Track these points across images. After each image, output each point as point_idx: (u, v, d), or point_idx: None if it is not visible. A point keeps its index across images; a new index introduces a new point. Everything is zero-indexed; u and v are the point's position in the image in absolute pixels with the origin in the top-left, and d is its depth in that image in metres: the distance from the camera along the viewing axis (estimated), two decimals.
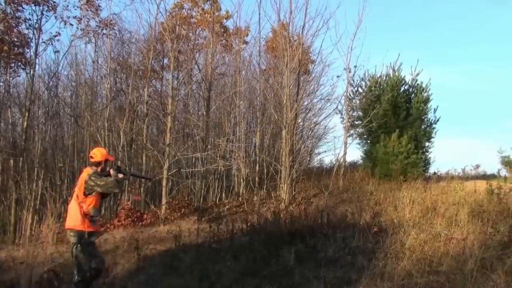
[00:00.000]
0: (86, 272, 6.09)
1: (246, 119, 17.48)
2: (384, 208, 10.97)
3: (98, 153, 6.40)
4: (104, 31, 15.60)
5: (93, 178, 6.16)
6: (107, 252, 9.22)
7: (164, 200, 13.26)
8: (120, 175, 6.33)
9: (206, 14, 19.82)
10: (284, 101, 13.87)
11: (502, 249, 7.19)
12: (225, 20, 22.23)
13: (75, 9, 14.35)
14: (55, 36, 13.91)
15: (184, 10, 19.45)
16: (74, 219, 6.15)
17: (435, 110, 17.05)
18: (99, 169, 6.33)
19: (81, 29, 14.77)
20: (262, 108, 17.06)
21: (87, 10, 14.73)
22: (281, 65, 14.84)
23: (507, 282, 5.96)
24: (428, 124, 17.03)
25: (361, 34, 29.73)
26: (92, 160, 6.39)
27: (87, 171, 6.30)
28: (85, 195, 6.16)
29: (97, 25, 15.30)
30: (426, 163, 16.91)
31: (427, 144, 16.92)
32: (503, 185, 11.28)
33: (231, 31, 20.99)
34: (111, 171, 6.33)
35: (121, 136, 14.71)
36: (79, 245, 6.05)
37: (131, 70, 15.57)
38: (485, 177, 18.09)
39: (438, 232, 8.32)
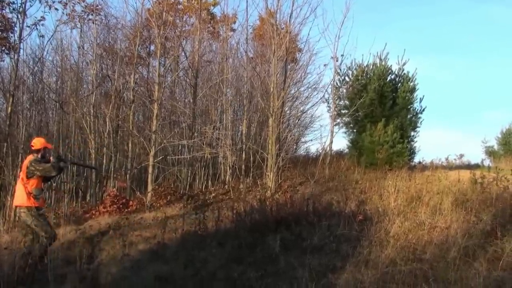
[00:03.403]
0: (50, 232, 7.38)
1: (233, 107, 17.45)
2: (369, 197, 11.04)
3: (37, 142, 7.54)
4: (90, 17, 15.39)
5: (33, 164, 7.26)
6: (92, 239, 9.21)
7: (150, 187, 13.21)
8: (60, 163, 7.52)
9: (193, 1, 19.69)
10: (271, 89, 13.85)
11: (485, 237, 7.30)
12: (212, 7, 22.15)
13: None
14: (39, 20, 13.68)
15: None
16: (20, 197, 7.27)
17: (421, 100, 17.15)
18: (39, 156, 7.42)
19: (66, 14, 14.56)
20: (249, 96, 17.04)
21: None
22: (268, 53, 14.80)
23: (489, 270, 6.05)
24: (414, 114, 17.11)
25: (349, 23, 29.63)
26: (33, 148, 7.50)
27: (29, 158, 7.40)
28: (28, 177, 7.25)
29: (83, 10, 15.09)
30: (412, 152, 17.01)
31: (412, 133, 17.01)
32: (486, 175, 11.40)
33: (218, 18, 20.91)
34: (51, 158, 7.44)
35: (107, 122, 14.60)
36: (32, 217, 7.20)
37: (117, 56, 15.43)
38: (469, 167, 18.28)
39: (422, 220, 8.42)
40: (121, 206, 12.00)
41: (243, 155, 16.09)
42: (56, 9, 13.99)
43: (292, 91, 17.34)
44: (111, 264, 7.57)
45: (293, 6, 14.11)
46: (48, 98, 17.38)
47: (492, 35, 53.94)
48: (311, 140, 25.91)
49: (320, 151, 17.64)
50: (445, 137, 45.35)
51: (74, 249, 8.18)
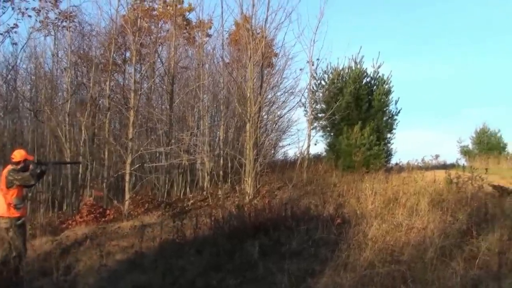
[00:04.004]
0: (21, 249, 7.37)
1: (210, 113, 17.42)
2: (347, 200, 11.07)
3: (18, 155, 7.62)
4: (64, 24, 15.29)
5: (11, 174, 7.38)
6: (68, 249, 9.08)
7: (127, 196, 13.08)
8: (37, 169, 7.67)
9: (168, 7, 19.63)
10: (248, 95, 13.82)
11: (461, 237, 7.38)
12: (187, 13, 22.09)
13: (34, 0, 14.02)
14: (12, 27, 13.51)
15: (145, 3, 19.20)
16: (1, 208, 7.34)
17: (396, 102, 17.35)
18: (18, 167, 7.49)
19: (40, 21, 14.45)
20: (226, 101, 17.01)
21: (46, 2, 14.40)
22: (244, 58, 14.77)
23: (466, 269, 6.11)
24: (390, 116, 17.29)
25: (323, 27, 29.63)
26: (13, 160, 7.58)
27: (8, 168, 7.49)
28: (7, 187, 7.34)
29: (56, 17, 15.01)
30: (388, 154, 17.18)
31: (388, 135, 17.20)
32: (461, 174, 11.55)
33: (194, 24, 20.86)
34: (30, 166, 7.58)
35: (83, 130, 14.47)
36: (11, 229, 7.30)
37: (92, 64, 15.31)
38: (445, 166, 18.48)
39: (399, 222, 8.47)
40: (98, 215, 11.86)
41: (221, 161, 16.05)
42: (30, 16, 13.86)
43: (269, 96, 17.36)
44: (88, 275, 7.46)
45: (268, 11, 14.13)
46: (22, 106, 17.17)
47: (468, 33, 54.81)
48: (289, 145, 26.09)
49: (298, 155, 17.67)
50: (421, 138, 45.93)
51: (50, 260, 8.04)
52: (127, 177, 13.29)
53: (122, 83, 16.71)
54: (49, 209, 14.38)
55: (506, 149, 27.79)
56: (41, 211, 13.43)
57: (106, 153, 15.06)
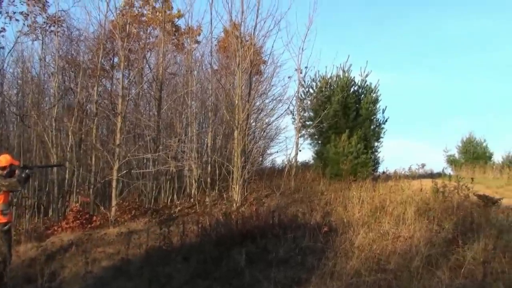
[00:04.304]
0: (6, 254, 7.26)
1: (198, 119, 17.38)
2: (334, 208, 11.10)
3: (3, 159, 7.55)
4: (52, 28, 15.19)
5: None
6: (53, 256, 9.01)
7: (114, 202, 13.00)
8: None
9: (158, 13, 19.61)
10: (236, 102, 13.84)
11: (447, 246, 7.45)
12: (177, 19, 22.11)
13: (22, 4, 13.99)
14: (0, 31, 13.46)
15: (134, 9, 19.19)
16: None
17: (383, 111, 17.49)
18: (4, 172, 7.44)
19: (27, 25, 14.37)
20: (214, 108, 16.98)
21: (34, 6, 14.36)
22: (233, 65, 14.80)
23: (451, 278, 6.16)
24: (377, 125, 17.41)
25: (312, 35, 29.88)
26: None
27: None
28: None
29: (44, 22, 14.92)
30: (375, 162, 17.29)
31: (376, 144, 17.32)
32: (448, 184, 11.64)
33: (183, 30, 20.86)
34: (16, 171, 7.55)
35: (70, 136, 14.37)
36: None
37: (80, 69, 15.23)
38: (431, 175, 18.65)
39: (386, 230, 8.52)
40: (84, 221, 11.79)
41: (209, 168, 16.00)
42: (17, 20, 13.83)
43: (257, 103, 17.37)
44: (73, 282, 7.42)
45: (257, 18, 14.20)
46: (9, 111, 17.01)
47: (454, 44, 55.38)
48: (277, 152, 25.91)
49: (286, 163, 17.70)
50: (408, 146, 46.16)
51: (35, 267, 7.99)
52: (114, 183, 13.22)
53: (110, 88, 16.63)
54: (35, 215, 14.25)
55: (492, 158, 28.06)
56: (27, 217, 13.29)
57: (93, 159, 14.96)
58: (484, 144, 28.51)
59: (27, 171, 7.74)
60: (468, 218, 8.96)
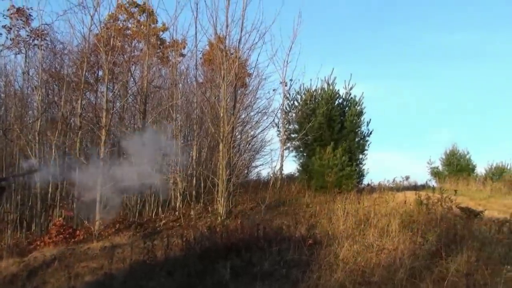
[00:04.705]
0: None
1: (183, 132, 17.35)
2: (319, 220, 11.14)
3: None
4: (36, 42, 15.11)
5: None
6: (36, 271, 8.90)
7: (98, 216, 12.90)
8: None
9: (142, 26, 19.62)
10: (221, 115, 13.87)
11: (430, 258, 7.49)
12: (161, 33, 22.10)
13: (4, 18, 13.89)
14: None
15: (119, 22, 19.18)
16: None
17: (368, 123, 17.61)
18: None
19: (10, 39, 14.27)
20: (199, 121, 16.98)
21: (17, 20, 14.26)
22: (218, 78, 14.82)
23: None
24: (362, 137, 17.51)
25: (296, 48, 29.98)
26: None
27: None
28: None
29: (28, 35, 14.82)
30: (360, 175, 17.37)
31: (361, 156, 17.40)
32: (431, 196, 11.72)
33: (167, 43, 20.86)
34: None
35: (53, 149, 14.26)
36: None
37: (64, 82, 15.15)
38: (415, 188, 18.75)
39: (370, 243, 8.55)
40: (67, 236, 11.69)
41: (194, 181, 15.96)
42: (0, 33, 13.69)
43: (242, 116, 17.45)
44: None
45: (241, 32, 14.28)
46: None
47: (434, 57, 56.01)
48: (262, 165, 26.03)
49: (271, 175, 17.72)
50: (393, 159, 46.44)
51: (16, 283, 7.92)
52: (98, 197, 13.12)
53: (94, 102, 16.56)
54: (17, 230, 14.06)
55: (475, 170, 28.26)
56: (9, 232, 13.12)
57: (77, 172, 14.84)
58: (468, 157, 28.68)
59: (2, 183, 7.63)
60: (452, 230, 9.03)
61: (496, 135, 50.17)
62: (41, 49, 15.23)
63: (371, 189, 16.51)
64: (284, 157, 17.48)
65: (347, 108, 17.48)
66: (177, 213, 14.61)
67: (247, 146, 18.99)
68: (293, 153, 18.43)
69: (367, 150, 17.53)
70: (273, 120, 17.56)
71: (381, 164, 39.86)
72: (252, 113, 18.70)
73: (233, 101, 14.52)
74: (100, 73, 16.51)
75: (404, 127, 55.72)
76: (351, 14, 56.78)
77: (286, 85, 17.74)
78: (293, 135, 17.91)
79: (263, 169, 44.51)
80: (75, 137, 14.78)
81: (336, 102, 17.56)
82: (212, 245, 8.99)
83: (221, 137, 13.67)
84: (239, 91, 15.84)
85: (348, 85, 17.57)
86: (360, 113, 17.34)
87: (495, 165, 27.07)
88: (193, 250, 9.03)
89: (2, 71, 17.05)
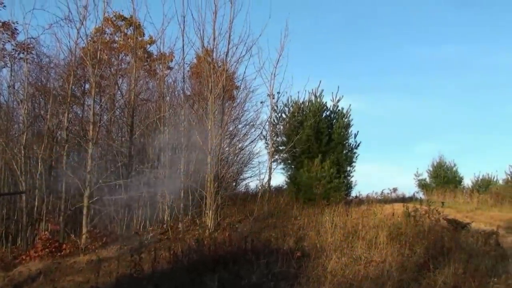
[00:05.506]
0: None
1: (171, 145, 17.30)
2: (307, 233, 11.11)
3: None
4: (21, 55, 15.06)
5: None
6: (21, 286, 8.78)
7: (84, 229, 12.80)
8: None
9: (129, 39, 19.62)
10: (209, 127, 13.86)
11: (418, 270, 7.51)
12: (148, 46, 22.11)
13: None
14: None
15: (106, 35, 19.16)
16: None
17: (355, 135, 17.67)
18: None
19: None
20: (186, 134, 16.95)
21: (2, 33, 14.22)
22: (205, 91, 14.83)
23: None
24: (350, 149, 17.55)
25: (284, 61, 29.92)
26: None
27: None
28: None
29: (13, 49, 14.78)
30: (348, 187, 17.38)
31: (348, 168, 17.42)
32: (419, 208, 11.77)
33: (155, 56, 20.87)
34: None
35: (39, 163, 14.15)
36: None
37: (50, 95, 15.08)
38: (403, 199, 18.84)
39: (358, 255, 8.55)
40: (53, 250, 11.59)
41: (182, 194, 15.88)
42: None
43: (230, 129, 17.46)
44: None
45: (229, 45, 14.33)
46: None
47: (420, 69, 56.61)
48: (250, 177, 25.97)
49: (259, 188, 17.69)
50: (381, 171, 46.58)
51: None
52: (84, 210, 13.03)
53: (81, 115, 16.50)
54: (2, 244, 13.92)
55: (462, 182, 28.46)
56: None
57: (64, 186, 14.73)
58: (454, 169, 28.92)
59: None
60: (439, 242, 9.07)
61: (482, 147, 50.54)
62: (27, 62, 15.17)
63: (359, 201, 16.55)
64: (272, 170, 17.45)
65: (334, 121, 17.55)
66: (164, 226, 14.51)
67: (235, 158, 18.99)
68: (281, 166, 18.46)
69: (355, 162, 17.58)
70: (261, 133, 17.61)
71: (369, 177, 39.96)
72: (240, 126, 18.74)
73: (221, 113, 14.53)
74: (87, 86, 16.49)
75: (391, 140, 56.07)
76: (337, 28, 57.30)
77: (273, 98, 17.75)
78: (281, 148, 17.92)
79: (252, 181, 44.39)
80: (62, 151, 14.69)
81: (324, 115, 17.63)
82: (199, 258, 8.93)
83: (209, 150, 13.65)
84: (226, 104, 15.86)
85: (336, 97, 17.69)
86: (348, 125, 17.42)
87: (482, 177, 27.32)
88: (181, 263, 8.96)
89: None
